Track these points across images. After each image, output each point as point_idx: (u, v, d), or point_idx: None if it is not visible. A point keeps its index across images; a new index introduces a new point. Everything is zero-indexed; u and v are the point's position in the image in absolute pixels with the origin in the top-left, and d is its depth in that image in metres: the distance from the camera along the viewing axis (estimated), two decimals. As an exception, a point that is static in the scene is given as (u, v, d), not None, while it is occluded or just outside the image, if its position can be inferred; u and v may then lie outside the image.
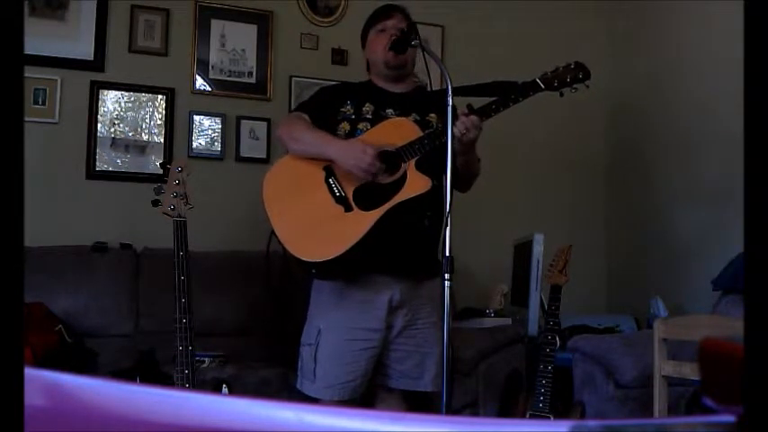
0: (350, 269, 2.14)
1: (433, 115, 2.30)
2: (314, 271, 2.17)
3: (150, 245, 3.36)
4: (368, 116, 2.27)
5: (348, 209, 2.11)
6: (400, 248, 2.18)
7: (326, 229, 2.11)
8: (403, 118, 2.26)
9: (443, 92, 2.36)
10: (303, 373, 2.23)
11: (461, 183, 2.31)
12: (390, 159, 2.16)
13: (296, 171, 2.20)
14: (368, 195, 2.12)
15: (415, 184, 2.13)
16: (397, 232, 2.13)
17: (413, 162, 2.14)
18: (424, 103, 2.32)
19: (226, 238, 3.53)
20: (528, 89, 2.20)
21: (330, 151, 2.14)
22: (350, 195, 2.13)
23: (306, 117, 2.27)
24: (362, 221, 2.09)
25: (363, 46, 2.42)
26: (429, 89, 2.45)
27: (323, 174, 2.16)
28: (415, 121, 2.26)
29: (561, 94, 2.25)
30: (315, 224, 2.12)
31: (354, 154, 2.09)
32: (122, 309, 3.21)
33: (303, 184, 2.17)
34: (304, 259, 2.09)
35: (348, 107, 2.29)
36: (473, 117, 2.12)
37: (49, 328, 2.79)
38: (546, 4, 4.33)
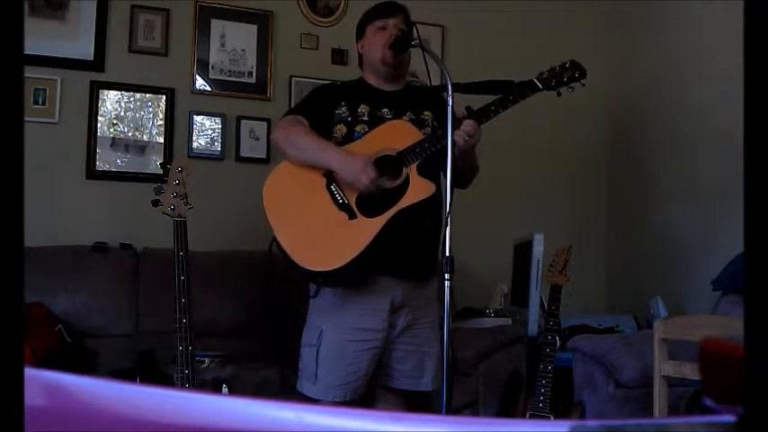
0: (355, 275, 2.13)
1: (427, 113, 2.30)
2: (320, 279, 2.16)
3: (150, 245, 3.36)
4: (364, 118, 2.25)
5: (352, 216, 2.10)
6: (403, 250, 2.17)
7: (332, 238, 2.10)
8: (401, 120, 2.25)
9: (435, 88, 2.36)
10: (304, 374, 2.22)
11: (462, 181, 2.30)
12: (391, 164, 2.15)
13: (296, 178, 2.18)
14: (371, 201, 2.11)
15: (419, 188, 2.12)
16: (400, 235, 2.12)
17: (414, 166, 2.14)
18: (417, 102, 2.32)
19: (226, 238, 3.53)
20: (525, 89, 2.19)
21: (332, 163, 2.13)
22: (352, 202, 2.11)
23: (303, 120, 2.24)
24: (367, 228, 2.08)
25: (358, 39, 2.39)
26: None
27: (324, 180, 2.14)
28: (410, 120, 2.26)
29: (559, 94, 2.25)
30: (319, 232, 2.11)
31: (355, 170, 2.08)
32: (122, 309, 3.21)
33: (304, 191, 2.16)
34: (311, 269, 2.08)
35: (343, 109, 2.26)
36: (473, 123, 2.11)
37: (49, 328, 2.79)
38: (546, 3, 4.33)
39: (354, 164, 2.09)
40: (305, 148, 2.18)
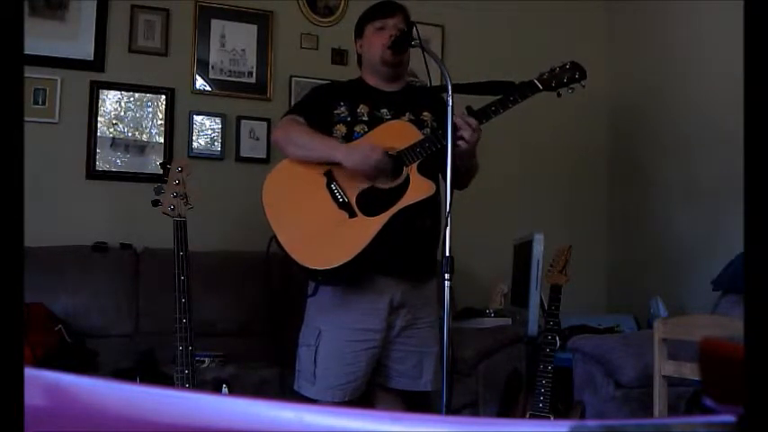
0: (354, 274, 2.13)
1: (426, 113, 2.29)
2: (320, 278, 2.15)
3: (150, 245, 3.36)
4: (363, 118, 2.25)
5: (352, 215, 2.10)
6: (402, 250, 2.17)
7: (332, 236, 2.10)
8: (401, 120, 2.25)
9: (435, 89, 2.36)
10: (302, 374, 2.22)
11: (461, 182, 2.29)
12: (392, 163, 2.15)
13: (296, 177, 2.18)
14: (371, 200, 2.11)
15: (419, 188, 2.12)
16: (400, 235, 2.12)
17: (415, 166, 2.13)
18: (417, 102, 2.31)
19: (226, 238, 3.53)
20: (526, 90, 2.19)
21: (337, 154, 2.12)
22: (353, 201, 2.11)
23: (302, 120, 2.24)
24: (368, 227, 2.08)
25: (357, 38, 2.38)
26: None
27: (324, 179, 2.14)
28: (410, 120, 2.25)
29: (559, 95, 2.25)
30: (319, 231, 2.10)
31: (363, 152, 2.08)
32: (122, 309, 3.21)
33: (304, 190, 2.16)
34: (311, 267, 2.08)
35: (342, 109, 2.26)
36: (470, 120, 2.11)
37: (49, 328, 2.79)
38: (546, 3, 4.33)
39: (360, 148, 2.10)
40: (307, 145, 2.17)
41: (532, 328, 3.27)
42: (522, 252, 3.51)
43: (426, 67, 2.18)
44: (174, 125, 3.67)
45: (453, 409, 2.31)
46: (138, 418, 0.46)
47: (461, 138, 2.06)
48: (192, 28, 3.72)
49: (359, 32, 2.37)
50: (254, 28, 3.82)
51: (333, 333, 2.17)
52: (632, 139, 4.28)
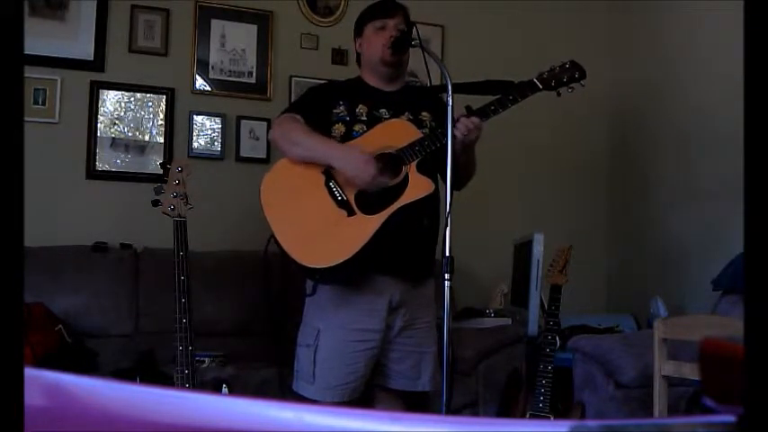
0: (353, 273, 2.13)
1: (425, 114, 2.29)
2: (318, 277, 2.15)
3: (150, 245, 3.36)
4: (362, 118, 2.24)
5: (350, 213, 2.09)
6: (401, 250, 2.17)
7: (330, 235, 2.09)
8: (400, 120, 2.24)
9: (434, 89, 2.36)
10: (300, 374, 2.21)
11: (459, 182, 2.28)
12: (391, 162, 2.15)
13: (294, 175, 2.17)
14: (369, 198, 2.10)
15: (418, 186, 2.12)
16: (398, 234, 2.11)
17: (414, 164, 2.13)
18: (416, 102, 2.31)
19: (226, 238, 3.53)
20: (525, 89, 2.19)
21: (333, 159, 2.11)
22: (351, 199, 2.11)
23: (300, 119, 2.22)
24: (366, 226, 2.07)
25: (356, 37, 2.37)
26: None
27: (322, 178, 2.14)
28: (408, 120, 2.25)
29: (558, 94, 2.25)
30: (318, 230, 2.10)
31: (357, 166, 2.06)
32: (122, 309, 3.21)
33: (303, 188, 2.15)
34: (309, 266, 2.08)
35: (341, 108, 2.25)
36: (474, 119, 2.11)
37: (49, 328, 2.79)
38: (546, 3, 4.33)
39: (356, 160, 2.08)
40: (304, 145, 2.16)
41: (532, 328, 3.27)
42: (522, 252, 3.51)
43: (426, 67, 2.18)
44: (174, 125, 3.67)
45: (453, 409, 2.32)
46: (138, 418, 0.46)
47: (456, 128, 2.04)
48: (192, 28, 3.72)
49: (358, 31, 2.36)
50: (254, 28, 3.82)
51: (332, 333, 2.16)
52: (632, 139, 4.28)
